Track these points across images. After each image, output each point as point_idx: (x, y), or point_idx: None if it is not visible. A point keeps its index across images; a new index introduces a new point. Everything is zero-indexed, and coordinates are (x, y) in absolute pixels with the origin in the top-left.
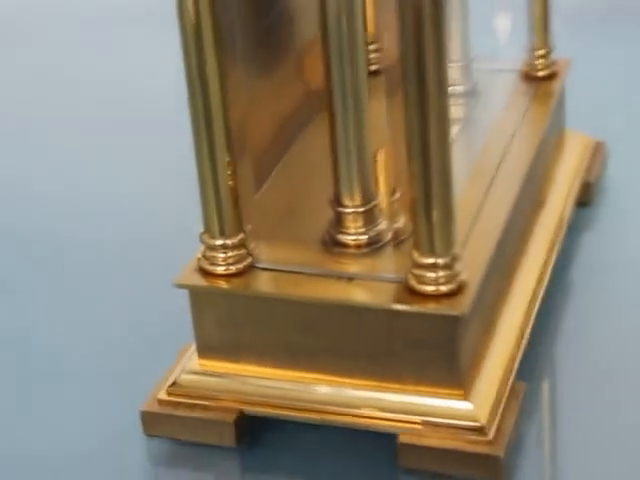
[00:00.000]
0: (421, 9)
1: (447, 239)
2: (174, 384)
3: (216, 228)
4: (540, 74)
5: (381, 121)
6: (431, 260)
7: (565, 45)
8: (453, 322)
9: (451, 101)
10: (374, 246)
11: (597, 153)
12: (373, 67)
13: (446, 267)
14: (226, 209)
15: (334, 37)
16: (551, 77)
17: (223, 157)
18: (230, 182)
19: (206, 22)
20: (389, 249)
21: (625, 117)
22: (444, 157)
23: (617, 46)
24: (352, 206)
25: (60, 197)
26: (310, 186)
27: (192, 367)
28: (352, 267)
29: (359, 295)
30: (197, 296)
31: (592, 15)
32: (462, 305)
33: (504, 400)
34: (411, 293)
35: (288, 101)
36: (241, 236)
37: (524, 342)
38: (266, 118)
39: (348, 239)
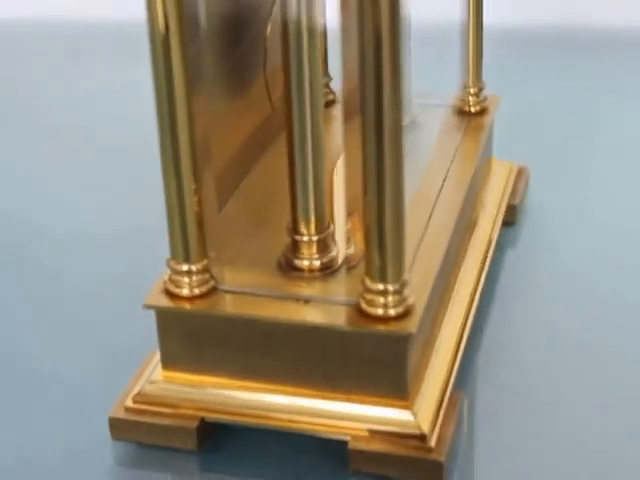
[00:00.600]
0: (380, 36)
1: (397, 267)
2: (139, 393)
3: (181, 255)
4: (472, 110)
5: (336, 151)
6: (382, 286)
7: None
8: (401, 342)
9: None
10: (327, 271)
11: (520, 177)
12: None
13: (395, 293)
14: (191, 237)
15: (294, 69)
16: (482, 112)
17: (190, 185)
18: (195, 210)
19: (175, 48)
20: (342, 274)
21: (544, 142)
22: (398, 190)
23: (535, 74)
24: (307, 234)
25: (36, 224)
26: (268, 210)
27: (156, 377)
28: (308, 290)
29: (315, 316)
30: (163, 316)
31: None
32: (409, 327)
33: (443, 409)
34: (363, 315)
35: (249, 125)
36: (205, 262)
37: (460, 354)
38: (228, 143)
39: (303, 264)
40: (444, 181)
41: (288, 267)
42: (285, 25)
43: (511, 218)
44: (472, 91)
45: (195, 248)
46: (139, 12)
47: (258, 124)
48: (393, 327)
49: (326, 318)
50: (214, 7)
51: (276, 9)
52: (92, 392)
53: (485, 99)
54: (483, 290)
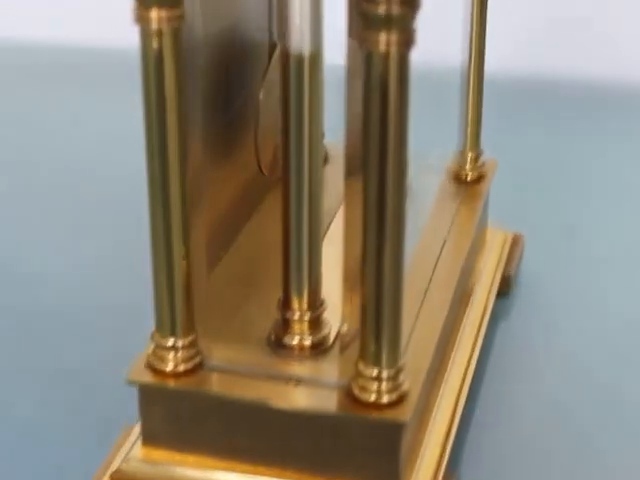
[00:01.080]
0: (387, 91)
1: (393, 353)
2: (117, 471)
3: (167, 328)
4: (469, 177)
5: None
6: (376, 372)
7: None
8: (394, 431)
9: None
10: (319, 349)
11: (515, 246)
12: None
13: (390, 379)
14: (179, 308)
15: (293, 129)
16: (479, 180)
17: (179, 249)
18: (184, 277)
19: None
20: (334, 353)
21: (541, 207)
22: (397, 270)
23: (530, 134)
24: (299, 310)
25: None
26: (257, 278)
27: (135, 455)
28: (297, 370)
29: (304, 400)
30: (145, 392)
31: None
32: (403, 415)
33: None
34: (354, 401)
35: (237, 187)
36: (192, 337)
37: (453, 435)
38: (215, 205)
39: (293, 342)
40: (440, 254)
41: (278, 344)
42: (285, 81)
43: (505, 289)
44: (470, 156)
45: (182, 321)
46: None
47: (247, 186)
48: (386, 415)
49: (316, 402)
50: (208, 64)
51: (271, 70)
52: (66, 467)
53: (483, 165)
54: (476, 367)
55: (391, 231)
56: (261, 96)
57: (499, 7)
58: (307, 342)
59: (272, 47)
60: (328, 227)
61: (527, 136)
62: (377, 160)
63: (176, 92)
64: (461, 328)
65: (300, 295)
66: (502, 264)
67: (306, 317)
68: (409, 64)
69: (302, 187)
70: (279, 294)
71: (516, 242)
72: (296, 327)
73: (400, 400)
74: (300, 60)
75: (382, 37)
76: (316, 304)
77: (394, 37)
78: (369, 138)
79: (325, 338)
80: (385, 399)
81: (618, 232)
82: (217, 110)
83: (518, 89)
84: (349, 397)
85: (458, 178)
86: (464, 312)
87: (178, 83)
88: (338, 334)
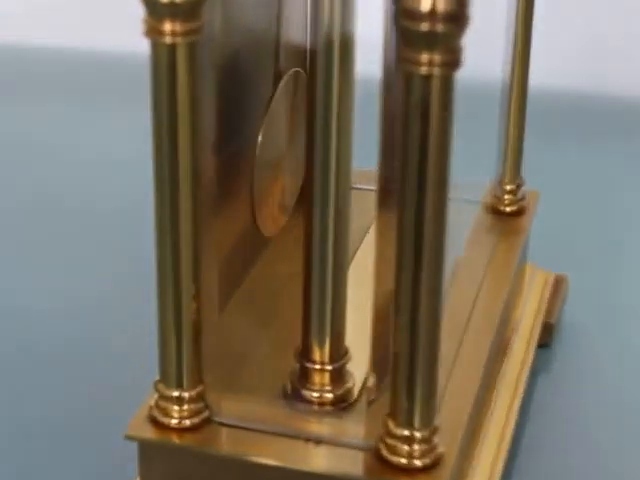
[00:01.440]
0: (428, 117)
1: (428, 411)
2: None
3: (173, 379)
4: (508, 209)
5: None
6: (407, 432)
7: None
8: None
9: None
10: (341, 405)
11: (558, 289)
12: None
13: (423, 441)
14: (187, 359)
15: (319, 154)
16: (519, 213)
17: (189, 289)
18: (193, 321)
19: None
20: (358, 410)
21: (586, 245)
22: (434, 318)
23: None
24: (320, 362)
25: None
26: (270, 323)
27: None
28: (318, 428)
29: (326, 463)
30: (146, 448)
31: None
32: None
33: None
34: (383, 464)
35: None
36: (200, 388)
37: None
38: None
39: (313, 396)
40: (476, 297)
41: (295, 397)
42: (311, 105)
43: (546, 338)
44: (508, 188)
45: (190, 370)
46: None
47: (243, 237)
48: None
49: (340, 465)
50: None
51: (276, 102)
52: None
53: (523, 198)
54: (515, 426)
55: (429, 269)
56: (260, 137)
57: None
58: (328, 396)
59: (277, 76)
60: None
61: (570, 161)
62: (415, 191)
63: (190, 114)
64: (498, 383)
65: (322, 344)
66: (543, 310)
67: (328, 368)
68: (454, 87)
69: (327, 221)
70: (295, 339)
71: (559, 284)
72: (316, 379)
73: (435, 464)
74: (329, 66)
75: (424, 57)
76: (340, 353)
77: (438, 57)
78: (407, 167)
79: (349, 392)
80: (418, 463)
81: None
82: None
83: (556, 108)
84: (377, 459)
85: (495, 210)
86: (501, 365)
87: (193, 104)
88: (363, 387)
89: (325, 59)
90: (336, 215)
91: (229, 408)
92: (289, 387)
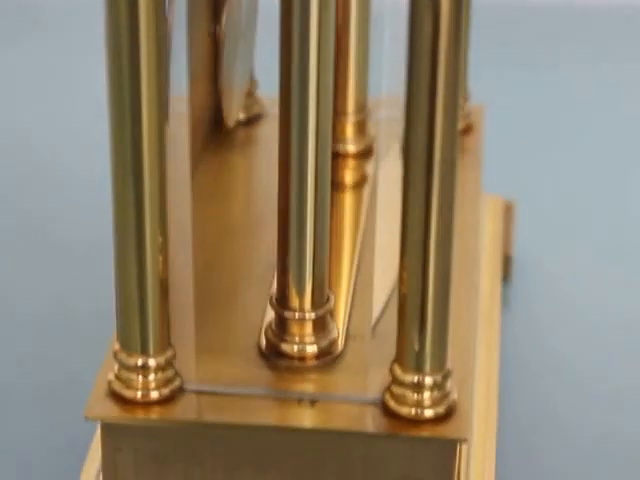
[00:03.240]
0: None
1: (440, 354)
2: None
3: (137, 343)
4: None
5: None
6: (419, 378)
7: None
8: (448, 452)
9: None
10: (325, 358)
11: (509, 218)
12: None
13: (437, 386)
14: (153, 317)
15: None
16: (467, 131)
17: (155, 238)
18: (160, 275)
19: None
20: (347, 362)
21: (531, 168)
22: (447, 250)
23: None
24: (300, 309)
25: None
26: (236, 268)
27: None
28: (307, 386)
29: (329, 421)
30: (110, 430)
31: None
32: (459, 431)
33: None
34: (393, 417)
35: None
36: (169, 353)
37: None
38: None
39: (293, 350)
40: None
41: (272, 354)
42: None
43: (506, 272)
44: None
45: (158, 333)
46: None
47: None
48: (441, 432)
49: (344, 422)
50: None
51: None
52: None
53: (470, 114)
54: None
55: (441, 185)
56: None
57: None
58: (312, 349)
59: None
60: None
61: (508, 75)
62: (426, 106)
63: None
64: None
65: (302, 289)
66: (500, 240)
67: (310, 317)
68: None
69: (306, 138)
70: (267, 288)
71: (509, 211)
72: (296, 331)
73: (449, 413)
74: None
75: None
76: (322, 299)
77: None
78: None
79: (334, 343)
80: (430, 413)
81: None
82: None
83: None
84: (384, 412)
85: None
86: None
87: None
88: (348, 337)
89: None
90: (317, 134)
91: (200, 374)
92: (264, 342)
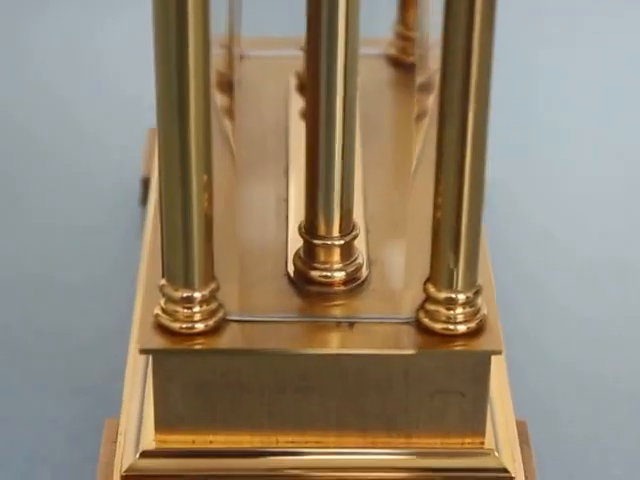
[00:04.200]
0: None
1: (472, 271)
2: (130, 468)
3: (181, 275)
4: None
5: None
6: (452, 295)
7: None
8: (484, 365)
9: None
10: (352, 284)
11: None
12: None
13: (468, 303)
14: (199, 252)
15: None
16: None
17: (200, 176)
18: (206, 213)
19: None
20: (372, 286)
21: None
22: (480, 167)
23: None
24: (329, 237)
25: None
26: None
27: (149, 445)
28: (342, 309)
29: (369, 343)
30: (161, 361)
31: None
32: (491, 343)
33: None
34: (426, 333)
35: None
36: (213, 285)
37: None
38: None
39: (323, 276)
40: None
41: (302, 281)
42: None
43: None
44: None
45: (202, 268)
46: None
47: None
48: (475, 345)
49: (383, 342)
50: None
51: None
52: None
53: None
54: None
55: (476, 116)
56: None
57: None
58: (339, 275)
59: None
60: None
61: None
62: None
63: None
64: None
65: (330, 218)
66: None
67: (338, 243)
68: None
69: (335, 76)
70: (283, 220)
71: None
72: (324, 258)
73: (481, 328)
74: None
75: None
76: (349, 228)
77: None
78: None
79: (360, 269)
80: (464, 327)
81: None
82: None
83: None
84: (420, 330)
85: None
86: None
87: None
88: (370, 263)
89: None
90: (346, 81)
91: (240, 302)
92: (292, 270)
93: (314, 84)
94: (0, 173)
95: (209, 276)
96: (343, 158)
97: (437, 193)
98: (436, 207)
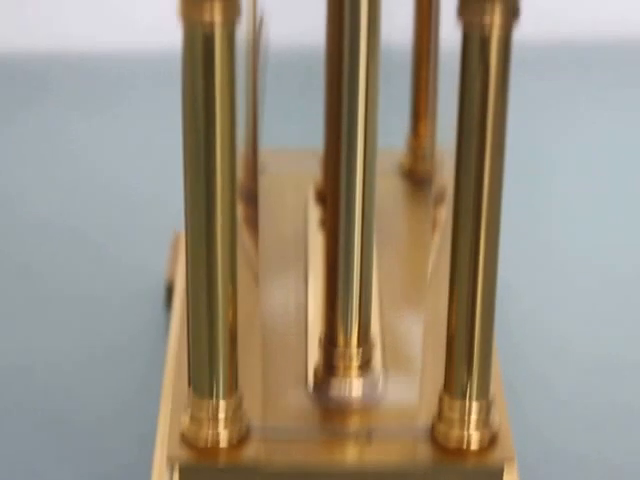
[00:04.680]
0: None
1: (485, 382)
2: None
3: (207, 386)
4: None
5: None
6: (466, 404)
7: None
8: (497, 473)
9: None
10: (370, 394)
11: None
12: None
13: (481, 412)
14: (224, 364)
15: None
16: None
17: (226, 289)
18: (230, 326)
19: None
20: (388, 396)
21: None
22: (491, 278)
23: None
24: (347, 350)
25: None
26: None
27: None
28: (361, 421)
29: (388, 457)
30: (186, 473)
31: None
32: (505, 456)
33: None
34: (442, 447)
35: None
36: (239, 396)
37: None
38: None
39: (344, 389)
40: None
41: (321, 392)
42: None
43: None
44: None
45: (227, 380)
46: None
47: None
48: (483, 460)
49: (400, 457)
50: None
51: None
52: None
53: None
54: None
55: (488, 231)
56: None
57: None
58: (357, 385)
59: None
60: None
61: None
62: (475, 160)
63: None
64: None
65: (349, 328)
66: None
67: (355, 353)
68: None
69: (354, 195)
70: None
71: None
72: (344, 369)
73: (494, 440)
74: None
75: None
76: (367, 339)
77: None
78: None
79: (376, 379)
80: (478, 438)
81: None
82: None
83: None
84: (436, 444)
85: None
86: None
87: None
88: (385, 373)
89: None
90: (364, 194)
91: (263, 414)
92: (313, 383)
93: (333, 198)
94: (18, 289)
95: (234, 388)
96: (362, 271)
97: (450, 311)
98: (450, 324)
